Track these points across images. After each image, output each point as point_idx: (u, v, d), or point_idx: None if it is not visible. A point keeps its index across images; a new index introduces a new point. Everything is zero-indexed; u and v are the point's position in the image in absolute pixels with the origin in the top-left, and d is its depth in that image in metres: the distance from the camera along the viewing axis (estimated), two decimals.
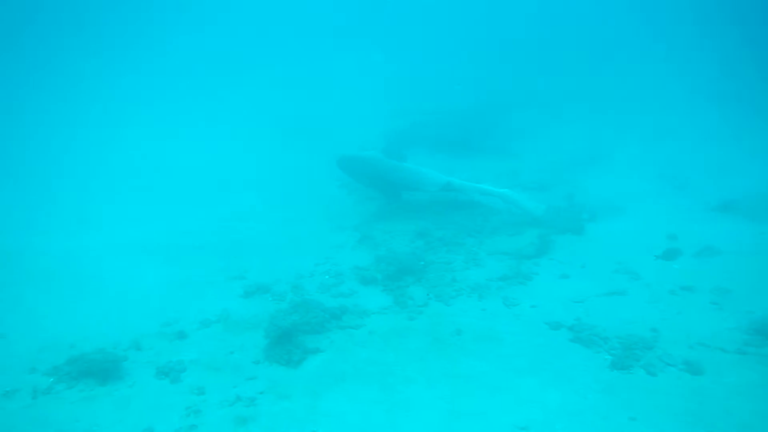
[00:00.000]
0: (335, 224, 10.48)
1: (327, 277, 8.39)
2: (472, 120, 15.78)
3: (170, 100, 20.82)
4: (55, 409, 5.40)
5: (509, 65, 21.29)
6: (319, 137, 16.53)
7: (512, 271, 8.01)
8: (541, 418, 5.07)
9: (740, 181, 10.81)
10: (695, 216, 9.78)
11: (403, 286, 7.86)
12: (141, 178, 12.90)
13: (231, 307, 7.45)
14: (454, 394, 5.50)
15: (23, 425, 5.18)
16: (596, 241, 8.93)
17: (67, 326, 6.89)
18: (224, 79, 23.44)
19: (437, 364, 6.03)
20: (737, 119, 14.02)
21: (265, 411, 5.35)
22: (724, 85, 16.26)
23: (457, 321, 6.88)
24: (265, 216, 10.90)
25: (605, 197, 10.34)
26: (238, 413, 5.32)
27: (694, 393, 5.29)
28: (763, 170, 11.09)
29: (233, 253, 9.25)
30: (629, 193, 10.42)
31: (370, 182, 11.13)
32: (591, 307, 6.96)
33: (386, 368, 6.01)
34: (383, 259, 8.60)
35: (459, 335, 6.57)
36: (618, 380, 5.58)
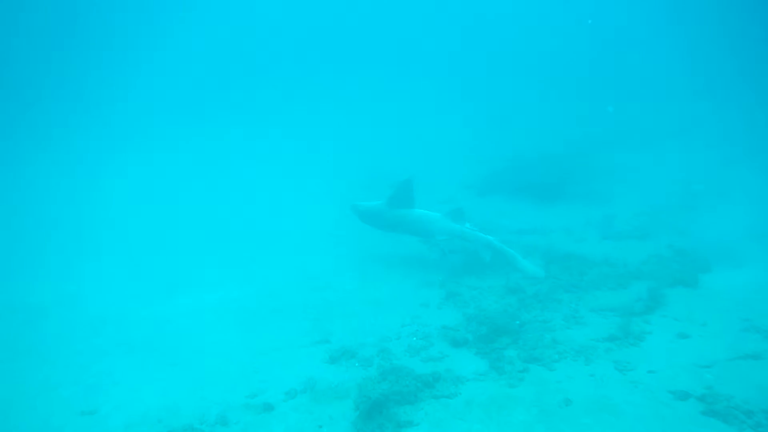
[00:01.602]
0: (418, 280, 10.04)
1: (414, 339, 7.91)
2: (556, 164, 15.14)
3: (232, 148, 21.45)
4: None
5: (592, 105, 20.59)
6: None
7: (621, 331, 7.20)
8: None
9: None
10: None
11: (498, 348, 7.24)
12: (213, 237, 13.04)
13: (317, 375, 7.08)
14: None
15: None
16: (715, 294, 7.95)
17: (154, 398, 6.75)
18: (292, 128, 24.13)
19: None
20: None
21: None
22: None
23: (564, 389, 6.17)
24: (344, 273, 10.63)
25: (720, 242, 9.32)
26: None
27: None
28: None
29: (315, 314, 8.97)
30: (751, 236, 9.30)
31: (385, 229, 11.13)
32: (722, 373, 6.04)
33: None
34: (473, 319, 8.07)
35: (568, 406, 5.85)
36: None
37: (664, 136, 15.66)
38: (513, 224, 12.40)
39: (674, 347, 6.77)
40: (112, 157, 19.85)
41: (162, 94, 27.91)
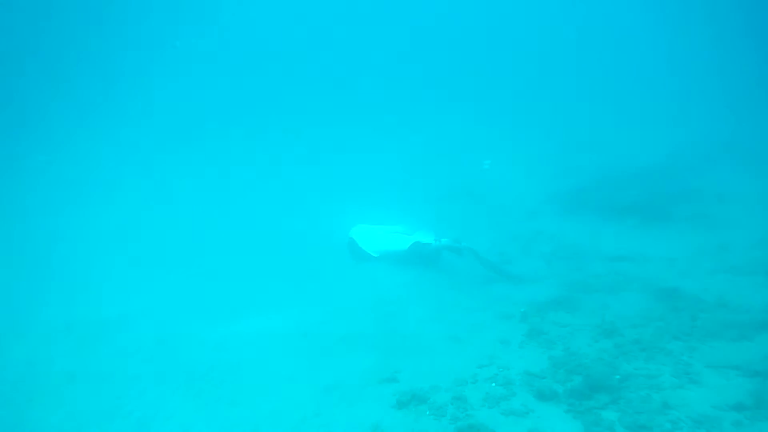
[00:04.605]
0: (497, 311, 9.05)
1: (493, 385, 6.96)
2: (655, 180, 13.58)
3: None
4: None
5: (699, 113, 18.57)
6: (472, 204, 15.44)
7: (751, 398, 5.91)
8: None
9: None
10: None
11: (594, 408, 6.16)
12: (277, 255, 12.44)
13: (383, 422, 6.31)
14: None
15: None
16: None
17: None
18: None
19: None
20: None
21: None
22: None
23: None
24: (417, 299, 9.80)
25: None
26: None
27: None
28: None
29: (382, 346, 8.20)
30: None
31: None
32: None
33: None
34: (562, 365, 7.03)
35: None
36: None
37: None
38: (604, 249, 11.11)
39: None
40: (166, 175, 19.86)
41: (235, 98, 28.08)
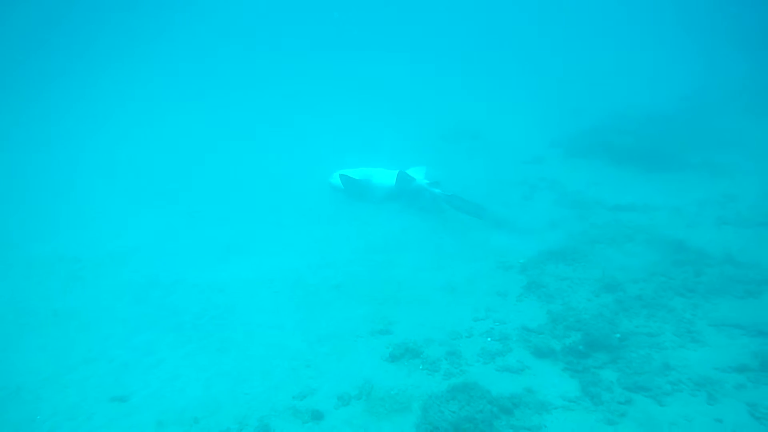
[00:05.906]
0: (497, 262, 8.79)
1: (489, 339, 6.79)
2: (665, 125, 13.04)
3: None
4: None
5: (716, 53, 17.72)
6: (479, 146, 14.95)
7: (756, 359, 5.74)
8: None
9: None
10: None
11: (592, 367, 5.99)
12: (271, 198, 12.04)
13: (374, 377, 6.16)
14: None
15: None
16: None
17: (194, 390, 6.07)
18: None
19: None
20: None
21: None
22: None
23: None
24: (413, 247, 9.52)
25: None
26: None
27: None
28: None
29: (377, 295, 7.98)
30: None
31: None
32: None
33: None
34: (561, 320, 6.85)
35: None
36: None
37: None
38: (608, 197, 10.75)
39: None
40: (162, 116, 19.21)
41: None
